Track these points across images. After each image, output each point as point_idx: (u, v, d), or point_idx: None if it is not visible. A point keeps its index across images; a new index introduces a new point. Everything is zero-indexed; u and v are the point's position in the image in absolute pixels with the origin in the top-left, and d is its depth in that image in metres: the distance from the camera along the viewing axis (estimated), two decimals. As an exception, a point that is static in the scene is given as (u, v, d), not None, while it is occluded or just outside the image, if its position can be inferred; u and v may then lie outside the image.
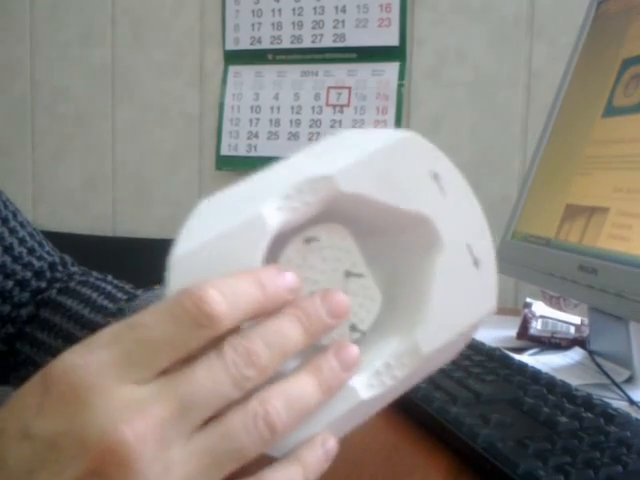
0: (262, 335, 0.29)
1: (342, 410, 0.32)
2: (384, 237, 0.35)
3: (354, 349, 0.31)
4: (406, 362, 0.33)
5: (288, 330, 0.29)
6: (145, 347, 0.28)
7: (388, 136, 0.33)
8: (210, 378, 0.28)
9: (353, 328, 0.34)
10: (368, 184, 0.32)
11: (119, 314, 0.54)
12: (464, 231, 0.35)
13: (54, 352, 0.55)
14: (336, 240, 0.34)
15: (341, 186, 0.32)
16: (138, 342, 0.28)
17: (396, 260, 0.35)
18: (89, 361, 0.27)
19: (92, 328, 0.54)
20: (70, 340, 0.55)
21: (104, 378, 0.27)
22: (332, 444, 0.32)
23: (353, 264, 0.34)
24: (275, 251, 0.32)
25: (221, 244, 0.30)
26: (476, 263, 0.35)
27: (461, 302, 0.35)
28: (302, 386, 0.30)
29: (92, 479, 0.26)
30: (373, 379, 0.32)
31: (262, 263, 0.31)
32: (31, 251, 0.63)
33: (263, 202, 0.31)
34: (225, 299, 0.28)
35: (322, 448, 0.31)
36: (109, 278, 0.62)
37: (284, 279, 0.30)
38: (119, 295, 0.58)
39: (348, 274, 0.34)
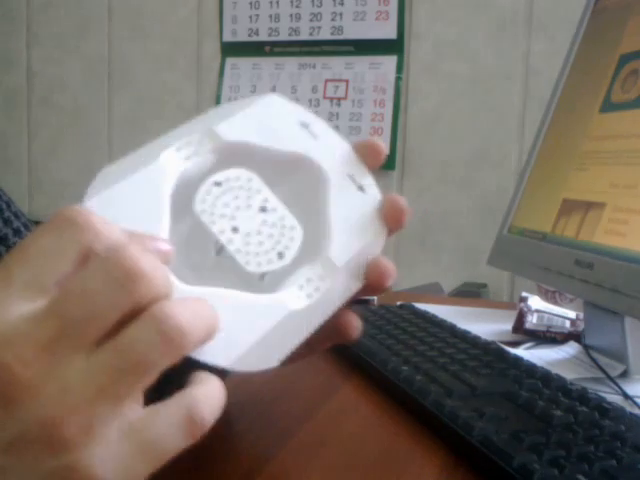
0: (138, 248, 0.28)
1: (273, 323, 0.34)
2: (283, 182, 0.39)
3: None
4: (324, 275, 0.38)
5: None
6: (29, 262, 0.27)
7: (257, 98, 0.40)
8: (93, 285, 0.27)
9: (280, 255, 0.37)
10: (247, 132, 0.39)
11: None
12: (342, 164, 0.40)
13: None
14: (243, 181, 0.38)
15: (224, 136, 0.38)
16: (21, 260, 0.27)
17: (297, 200, 0.39)
18: None
19: None
20: None
21: None
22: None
23: (265, 200, 0.38)
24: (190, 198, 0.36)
25: (128, 189, 0.33)
26: (361, 188, 0.40)
27: (357, 220, 0.40)
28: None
29: None
30: (298, 292, 0.36)
31: (170, 205, 0.34)
32: (26, 242, 0.63)
33: (161, 152, 0.35)
34: (99, 219, 0.28)
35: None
36: None
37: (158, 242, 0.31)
38: None
39: (263, 209, 0.38)
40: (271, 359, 0.35)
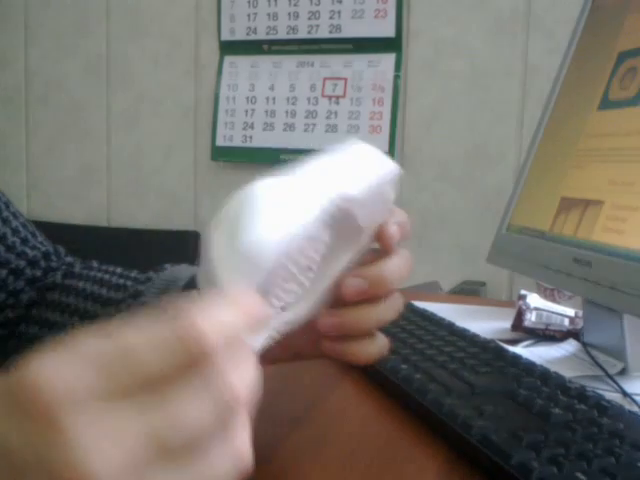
0: (239, 373, 0.28)
1: None
2: (333, 239, 0.40)
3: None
4: (285, 330, 0.39)
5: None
6: (127, 366, 0.25)
7: (390, 167, 0.42)
8: (193, 406, 0.26)
9: (283, 309, 0.39)
10: (367, 213, 0.40)
11: (138, 295, 0.54)
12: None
13: (68, 329, 0.56)
14: (324, 247, 0.39)
15: (352, 209, 0.39)
16: (121, 359, 0.25)
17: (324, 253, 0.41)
18: (62, 375, 0.25)
19: (115, 305, 0.55)
20: (89, 317, 0.56)
21: (77, 395, 0.24)
22: None
23: (316, 262, 0.39)
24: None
25: (260, 246, 0.34)
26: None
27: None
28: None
29: None
30: (262, 340, 0.37)
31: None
32: (24, 241, 0.63)
33: (311, 208, 0.36)
34: (217, 332, 0.27)
35: None
36: (111, 265, 0.63)
37: (261, 312, 0.30)
38: (133, 275, 0.58)
39: (309, 268, 0.39)
40: None
